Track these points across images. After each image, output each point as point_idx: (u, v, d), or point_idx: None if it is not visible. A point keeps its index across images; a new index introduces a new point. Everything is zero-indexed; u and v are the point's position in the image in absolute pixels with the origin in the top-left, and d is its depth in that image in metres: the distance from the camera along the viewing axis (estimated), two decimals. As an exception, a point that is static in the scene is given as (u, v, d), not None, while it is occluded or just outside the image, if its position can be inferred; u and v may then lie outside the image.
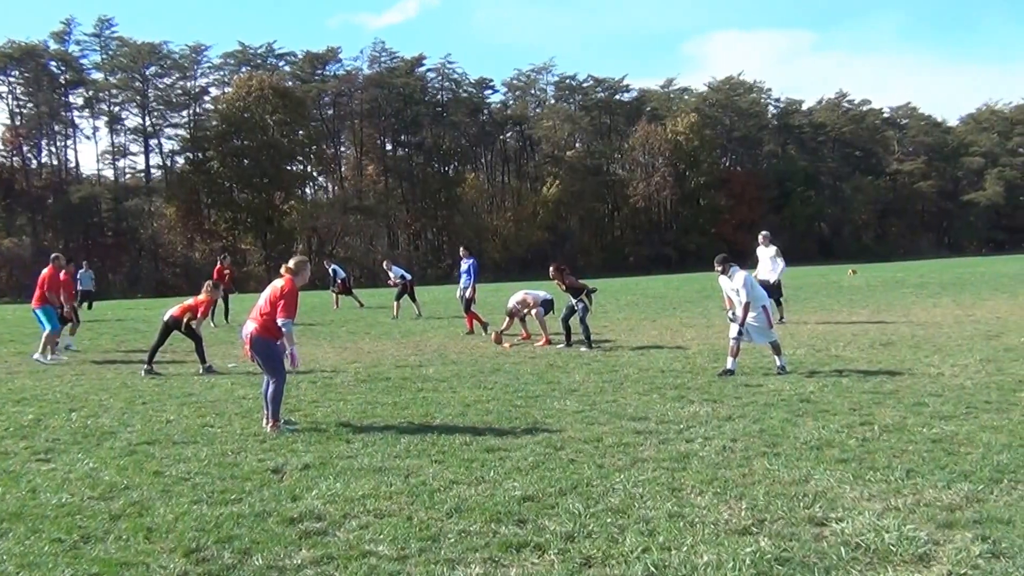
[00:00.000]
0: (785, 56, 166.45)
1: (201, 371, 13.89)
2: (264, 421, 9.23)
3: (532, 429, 8.76)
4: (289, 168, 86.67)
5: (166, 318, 14.48)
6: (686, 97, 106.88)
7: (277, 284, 9.28)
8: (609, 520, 5.77)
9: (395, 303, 24.44)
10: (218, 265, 24.24)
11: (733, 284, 12.30)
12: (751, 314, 12.12)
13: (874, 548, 5.15)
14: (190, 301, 14.74)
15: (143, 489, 6.90)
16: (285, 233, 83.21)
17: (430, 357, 15.18)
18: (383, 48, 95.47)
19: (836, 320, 19.36)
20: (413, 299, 24.46)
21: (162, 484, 7.04)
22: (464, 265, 20.16)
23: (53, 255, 17.09)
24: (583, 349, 15.48)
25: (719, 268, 12.58)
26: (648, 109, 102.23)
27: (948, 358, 12.77)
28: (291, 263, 9.48)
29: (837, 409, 9.28)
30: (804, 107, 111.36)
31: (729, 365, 12.16)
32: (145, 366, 13.93)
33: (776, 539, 5.33)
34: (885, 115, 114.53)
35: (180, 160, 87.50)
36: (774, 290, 18.47)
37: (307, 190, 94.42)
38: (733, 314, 12.45)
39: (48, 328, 16.00)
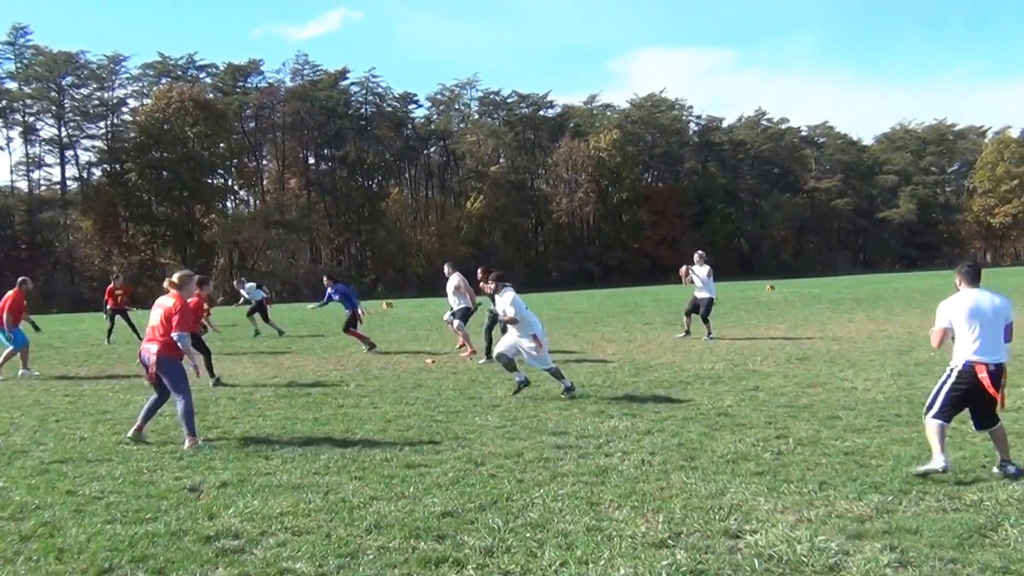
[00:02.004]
0: (708, 74, 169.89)
1: (211, 384, 13.68)
2: (132, 430, 9.25)
3: (453, 444, 8.74)
4: (210, 181, 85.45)
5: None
6: (609, 114, 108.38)
7: (167, 302, 9.33)
8: (528, 535, 5.80)
9: (250, 318, 24.17)
10: (110, 285, 23.67)
11: (501, 303, 12.02)
12: (525, 343, 11.77)
13: (786, 559, 5.26)
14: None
15: (55, 509, 6.71)
16: (206, 247, 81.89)
17: (352, 372, 15.07)
18: (306, 61, 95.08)
19: (754, 335, 19.73)
20: (266, 319, 24.17)
21: (75, 503, 6.86)
22: (330, 291, 19.08)
23: (21, 279, 16.77)
24: (481, 360, 15.73)
25: (491, 286, 12.23)
26: (571, 125, 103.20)
27: (861, 372, 13.11)
28: (175, 278, 9.60)
29: (754, 423, 9.46)
30: (724, 124, 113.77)
31: (518, 378, 11.78)
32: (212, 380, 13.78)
33: (692, 552, 5.42)
34: (803, 133, 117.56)
35: (97, 172, 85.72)
36: (706, 307, 19.17)
37: (228, 204, 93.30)
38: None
39: None
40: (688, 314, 19.66)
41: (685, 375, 13.19)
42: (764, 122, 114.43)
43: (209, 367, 13.95)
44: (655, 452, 8.13)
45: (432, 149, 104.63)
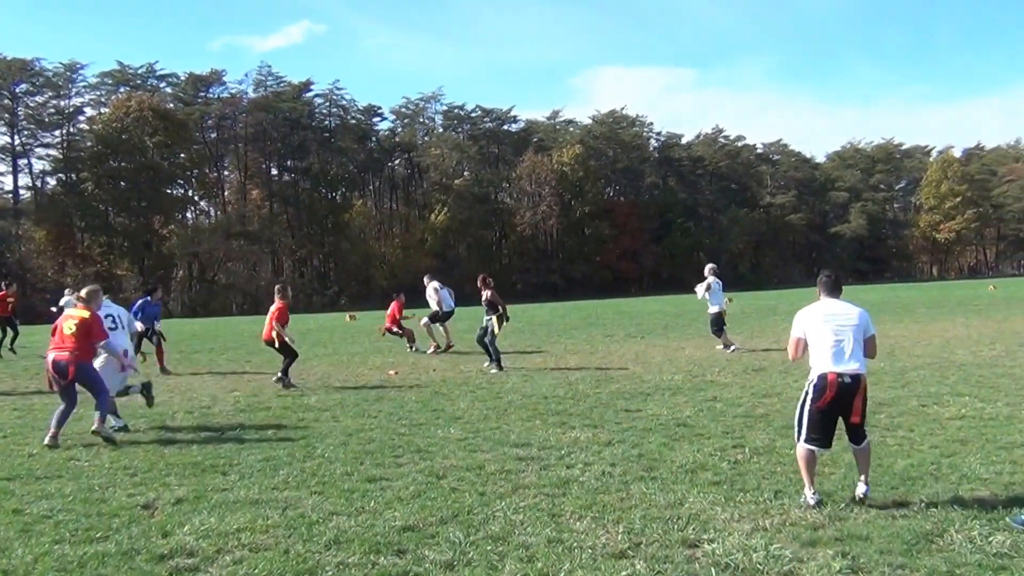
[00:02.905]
0: (667, 92, 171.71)
1: (279, 384, 14.64)
2: (48, 437, 9.74)
3: (415, 457, 8.72)
4: (169, 192, 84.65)
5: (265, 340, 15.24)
6: (571, 129, 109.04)
7: (83, 314, 10.10)
8: (489, 548, 5.80)
9: None
10: (1, 292, 23.23)
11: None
12: (99, 360, 10.65)
13: (743, 567, 5.32)
14: (269, 314, 15.22)
15: (0, 529, 6.56)
16: (164, 258, 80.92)
17: (313, 385, 14.97)
18: (269, 72, 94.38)
19: (712, 347, 19.88)
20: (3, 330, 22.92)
21: (22, 523, 6.69)
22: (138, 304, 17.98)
23: None
24: (493, 371, 15.92)
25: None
26: (535, 140, 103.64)
27: (817, 383, 13.25)
28: (83, 293, 10.54)
29: (711, 433, 9.55)
30: (684, 141, 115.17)
31: (116, 424, 10.63)
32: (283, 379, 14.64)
33: (651, 562, 5.46)
34: (759, 151, 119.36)
35: (52, 181, 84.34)
36: (713, 321, 19.43)
37: (188, 214, 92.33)
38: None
39: None
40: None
41: (645, 386, 13.28)
42: (722, 139, 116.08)
43: (286, 370, 14.79)
44: (616, 463, 8.17)
45: (396, 161, 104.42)
